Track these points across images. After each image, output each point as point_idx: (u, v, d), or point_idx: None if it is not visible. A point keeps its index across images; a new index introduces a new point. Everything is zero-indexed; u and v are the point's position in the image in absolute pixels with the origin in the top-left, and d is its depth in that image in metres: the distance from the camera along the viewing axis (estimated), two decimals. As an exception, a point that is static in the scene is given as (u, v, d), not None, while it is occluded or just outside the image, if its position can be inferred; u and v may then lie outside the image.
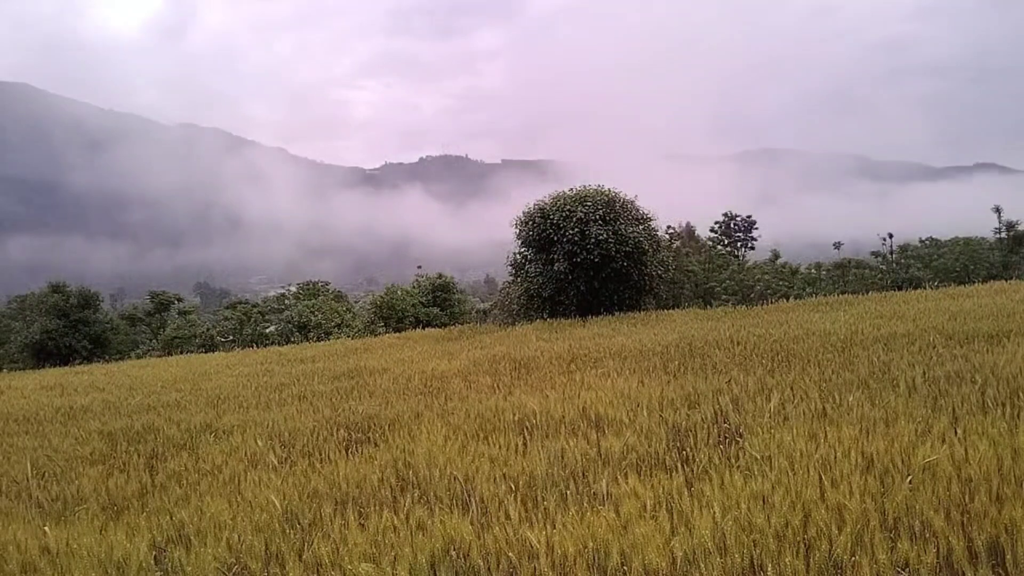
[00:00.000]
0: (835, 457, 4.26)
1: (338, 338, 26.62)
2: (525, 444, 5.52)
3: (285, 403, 9.17)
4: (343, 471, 5.21)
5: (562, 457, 4.99)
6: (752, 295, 21.07)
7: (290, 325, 30.51)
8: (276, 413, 8.29)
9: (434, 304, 30.92)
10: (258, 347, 24.79)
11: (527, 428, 6.07)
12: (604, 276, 19.59)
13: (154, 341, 32.56)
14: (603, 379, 8.08)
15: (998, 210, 24.34)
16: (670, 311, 18.25)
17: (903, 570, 3.03)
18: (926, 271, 22.37)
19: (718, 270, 23.94)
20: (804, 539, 3.29)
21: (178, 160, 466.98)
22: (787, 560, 3.04)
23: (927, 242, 25.91)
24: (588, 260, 19.25)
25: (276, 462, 6.01)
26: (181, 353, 26.98)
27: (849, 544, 3.13)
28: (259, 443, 6.66)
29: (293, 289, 39.47)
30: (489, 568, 3.42)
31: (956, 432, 4.56)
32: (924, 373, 6.55)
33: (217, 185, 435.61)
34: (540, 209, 20.44)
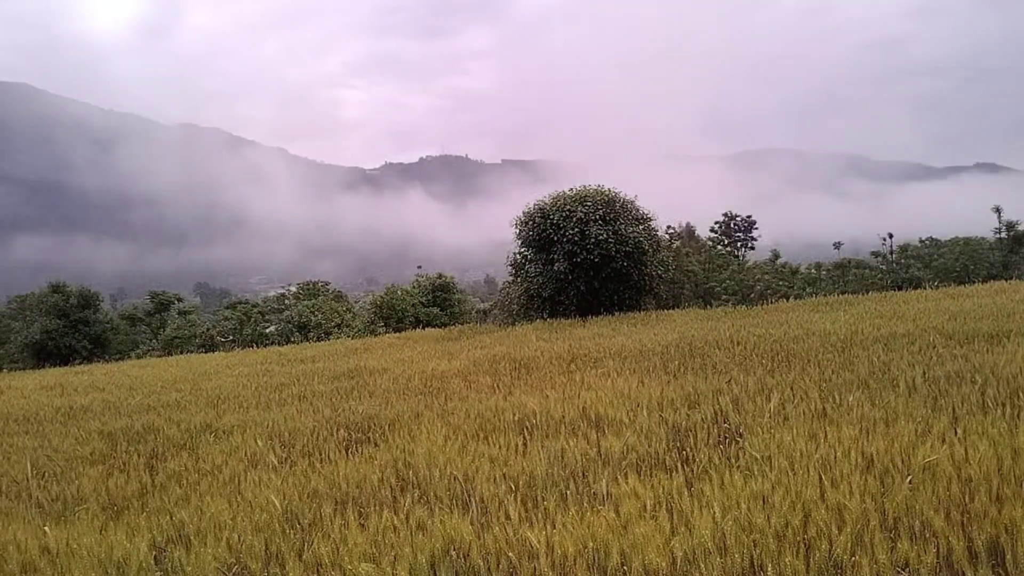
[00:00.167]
0: (835, 457, 4.26)
1: (338, 338, 26.62)
2: (525, 444, 5.52)
3: (285, 403, 9.17)
4: (343, 471, 5.21)
5: (562, 457, 4.99)
6: (752, 295, 21.07)
7: (290, 325, 30.51)
8: (276, 413, 8.29)
9: (434, 304, 30.92)
10: (258, 347, 24.79)
11: (527, 428, 6.07)
12: (604, 276, 19.58)
13: (154, 341, 32.55)
14: (603, 379, 8.08)
15: (998, 210, 24.33)
16: (670, 311, 18.25)
17: (903, 570, 3.03)
18: (926, 271, 22.36)
19: (718, 270, 23.93)
20: (804, 539, 3.29)
21: (179, 160, 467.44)
22: (787, 560, 3.04)
23: (927, 242, 25.90)
24: (588, 260, 19.24)
25: (276, 462, 6.01)
26: (181, 353, 26.98)
27: (849, 544, 3.13)
28: (259, 443, 6.66)
29: (293, 289, 39.47)
30: (489, 568, 3.42)
31: (956, 432, 4.56)
32: (924, 373, 6.55)
33: (218, 185, 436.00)
34: (540, 209, 20.44)
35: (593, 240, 19.15)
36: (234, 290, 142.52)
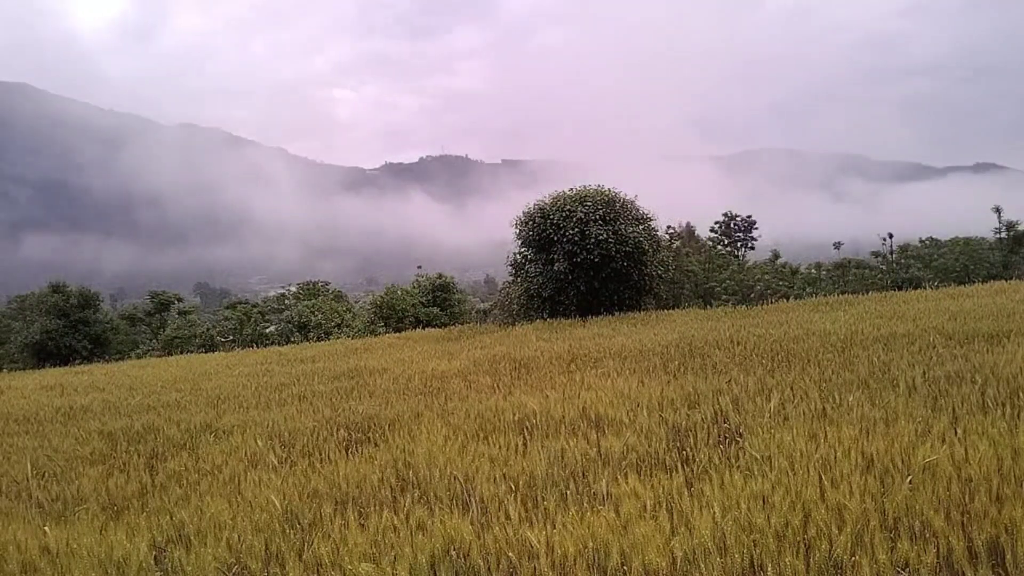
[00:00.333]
0: (835, 457, 4.26)
1: (338, 338, 26.62)
2: (525, 444, 5.52)
3: (285, 403, 9.17)
4: (343, 471, 5.21)
5: (562, 457, 4.99)
6: (752, 295, 21.07)
7: (290, 325, 30.51)
8: (276, 413, 8.29)
9: (434, 304, 30.92)
10: (258, 347, 24.79)
11: (527, 428, 6.07)
12: (604, 276, 19.58)
13: (154, 341, 32.55)
14: (603, 379, 8.08)
15: (998, 210, 24.32)
16: (670, 311, 18.25)
17: (903, 570, 3.03)
18: (926, 271, 22.36)
19: (718, 270, 23.94)
20: (804, 539, 3.29)
21: (180, 160, 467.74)
22: (787, 560, 3.04)
23: (927, 242, 25.89)
24: (588, 260, 19.25)
25: (276, 462, 6.01)
26: (181, 353, 26.98)
27: (849, 544, 3.13)
28: (259, 443, 6.66)
29: (293, 289, 39.47)
30: (489, 568, 3.42)
31: (956, 432, 4.56)
32: (924, 373, 6.55)
33: (219, 185, 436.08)
34: (540, 209, 20.44)
35: (593, 240, 19.15)
36: (234, 290, 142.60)
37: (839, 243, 29.23)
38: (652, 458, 4.88)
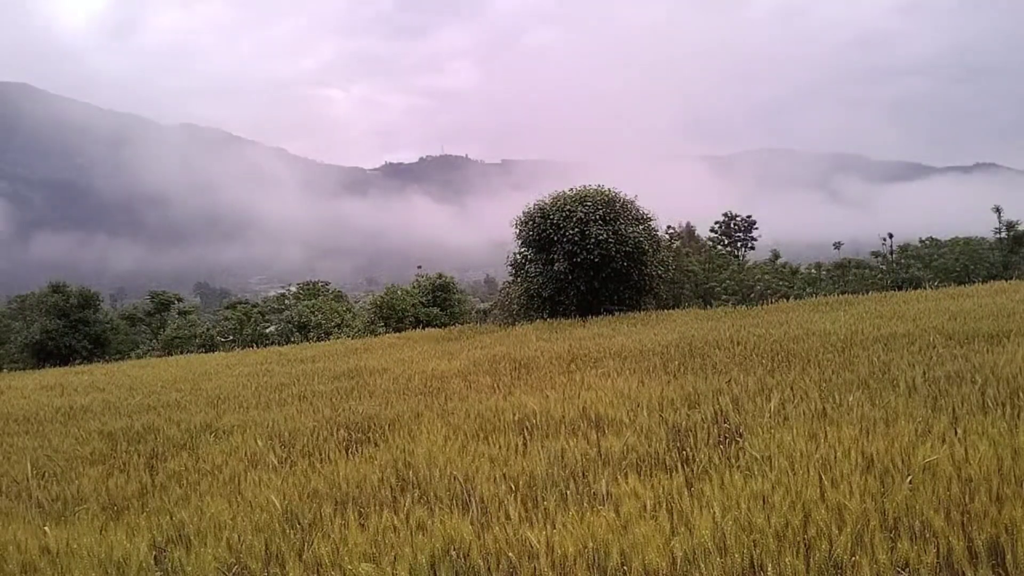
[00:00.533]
0: (835, 457, 4.26)
1: (338, 338, 26.62)
2: (525, 444, 5.52)
3: (285, 403, 9.17)
4: (343, 471, 5.21)
5: (562, 457, 4.99)
6: (752, 295, 21.07)
7: (290, 325, 30.50)
8: (276, 413, 8.29)
9: (434, 304, 30.91)
10: (258, 347, 24.79)
11: (527, 428, 6.07)
12: (604, 276, 19.59)
13: (154, 341, 32.55)
14: (603, 379, 8.08)
15: (998, 210, 24.31)
16: (670, 311, 18.25)
17: (903, 570, 3.03)
18: (926, 271, 22.36)
19: (718, 270, 23.93)
20: (804, 539, 3.29)
21: (182, 160, 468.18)
22: (787, 560, 3.04)
23: (927, 242, 25.88)
24: (588, 260, 19.25)
25: (276, 462, 6.01)
26: (181, 353, 26.97)
27: (849, 544, 3.13)
28: (259, 443, 6.66)
29: (293, 289, 39.46)
30: (489, 568, 3.42)
31: (956, 432, 4.56)
32: (924, 373, 6.55)
33: (221, 185, 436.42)
34: (540, 209, 20.44)
35: (593, 240, 19.15)
36: (234, 290, 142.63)
37: (839, 243, 29.21)
38: (652, 458, 4.88)
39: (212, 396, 10.38)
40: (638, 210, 20.60)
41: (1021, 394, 5.40)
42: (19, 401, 12.14)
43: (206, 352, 26.91)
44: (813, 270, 25.69)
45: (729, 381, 7.17)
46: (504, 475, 4.72)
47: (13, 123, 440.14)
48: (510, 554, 3.44)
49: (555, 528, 3.65)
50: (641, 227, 20.03)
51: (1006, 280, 18.62)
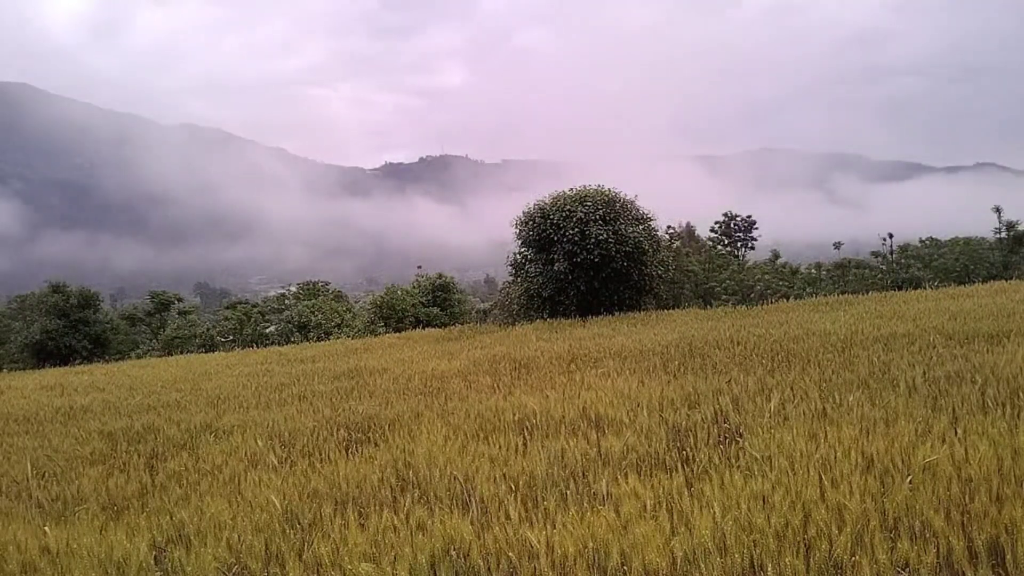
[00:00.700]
0: (835, 457, 4.26)
1: (338, 338, 26.61)
2: (525, 444, 5.52)
3: (285, 403, 9.17)
4: (343, 471, 5.21)
5: (562, 457, 4.99)
6: (752, 295, 21.06)
7: (290, 325, 30.50)
8: (276, 413, 8.29)
9: (434, 304, 30.91)
10: (258, 347, 24.78)
11: (527, 428, 6.07)
12: (604, 276, 19.58)
13: (154, 341, 32.54)
14: (603, 379, 8.08)
15: (998, 210, 24.30)
16: (670, 311, 18.25)
17: (903, 570, 3.03)
18: (926, 271, 22.35)
19: (718, 270, 23.93)
20: (804, 539, 3.29)
21: (182, 160, 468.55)
22: (787, 560, 3.04)
23: (927, 242, 25.88)
24: (588, 260, 19.24)
25: (276, 462, 6.01)
26: (181, 353, 26.97)
27: (849, 544, 3.13)
28: (259, 443, 6.66)
29: (293, 289, 39.45)
30: (489, 568, 3.42)
31: (956, 432, 4.56)
32: (924, 373, 6.55)
33: (221, 184, 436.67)
34: (540, 209, 20.44)
35: (593, 240, 19.14)
36: (234, 290, 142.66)
37: (839, 243, 29.21)
38: (652, 458, 4.88)
39: (212, 396, 10.37)
40: (638, 210, 20.60)
41: (1021, 394, 5.40)
42: (19, 401, 12.14)
43: (206, 352, 26.91)
44: (813, 270, 25.69)
45: (729, 381, 7.17)
46: (504, 475, 4.72)
47: (15, 123, 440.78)
48: (510, 554, 3.44)
49: (555, 528, 3.66)
50: (641, 227, 20.02)
51: (1006, 280, 18.62)
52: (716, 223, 31.42)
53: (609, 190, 20.71)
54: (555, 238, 19.79)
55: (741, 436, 5.16)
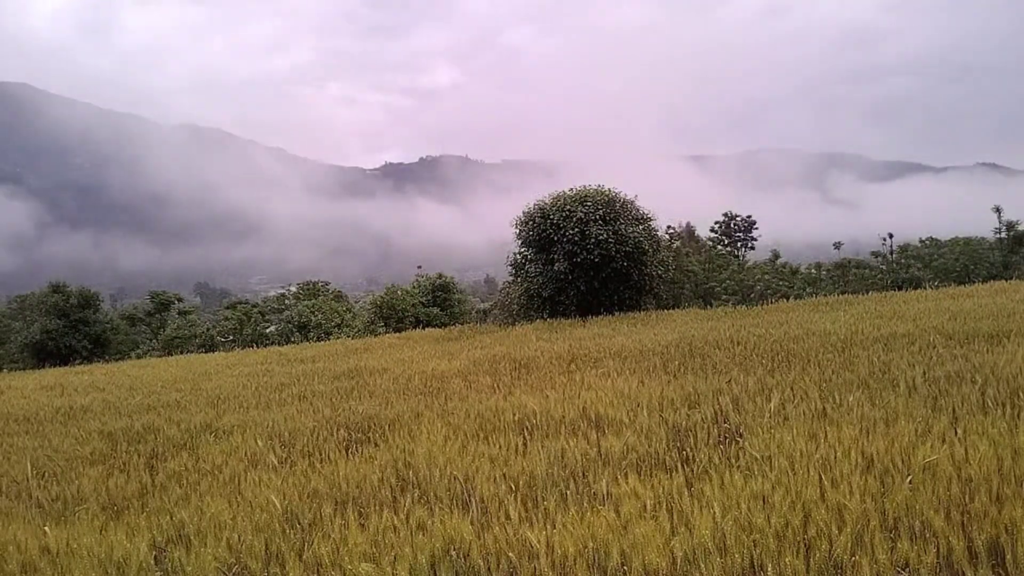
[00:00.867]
0: (835, 457, 4.26)
1: (338, 338, 26.62)
2: (525, 444, 5.52)
3: (285, 403, 9.17)
4: (343, 471, 5.21)
5: (562, 457, 4.99)
6: (752, 295, 21.06)
7: (290, 325, 30.50)
8: (276, 413, 8.29)
9: (434, 304, 30.92)
10: (258, 347, 24.79)
11: (527, 428, 6.07)
12: (604, 276, 19.59)
13: (154, 341, 32.54)
14: (603, 379, 8.08)
15: (998, 210, 24.30)
16: (670, 311, 18.25)
17: (903, 570, 3.03)
18: (926, 271, 22.35)
19: (718, 270, 23.93)
20: (804, 539, 3.29)
21: (183, 160, 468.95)
22: (787, 560, 3.04)
23: (927, 242, 25.88)
24: (588, 260, 19.25)
25: (276, 462, 6.01)
26: (181, 353, 26.97)
27: (849, 544, 3.13)
28: (259, 443, 6.66)
29: (293, 289, 39.46)
30: (489, 568, 3.42)
31: (956, 432, 4.56)
32: (924, 373, 6.54)
33: (222, 184, 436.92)
34: (540, 209, 20.44)
35: (593, 240, 19.15)
36: (234, 290, 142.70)
37: (839, 243, 29.21)
38: (652, 458, 4.88)
39: (212, 396, 10.38)
40: (638, 210, 20.61)
41: (1021, 394, 5.40)
42: (19, 401, 12.14)
43: (206, 352, 26.91)
44: (813, 270, 25.68)
45: (729, 381, 7.17)
46: (504, 475, 4.72)
47: (18, 123, 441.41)
48: (510, 554, 3.44)
49: (555, 528, 3.66)
50: (641, 227, 20.03)
51: (1006, 280, 18.62)
52: (716, 223, 31.42)
53: (609, 190, 20.71)
54: (555, 238, 19.79)
55: (741, 436, 5.16)
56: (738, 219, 31.74)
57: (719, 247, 29.89)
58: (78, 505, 5.44)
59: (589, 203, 19.79)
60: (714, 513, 3.52)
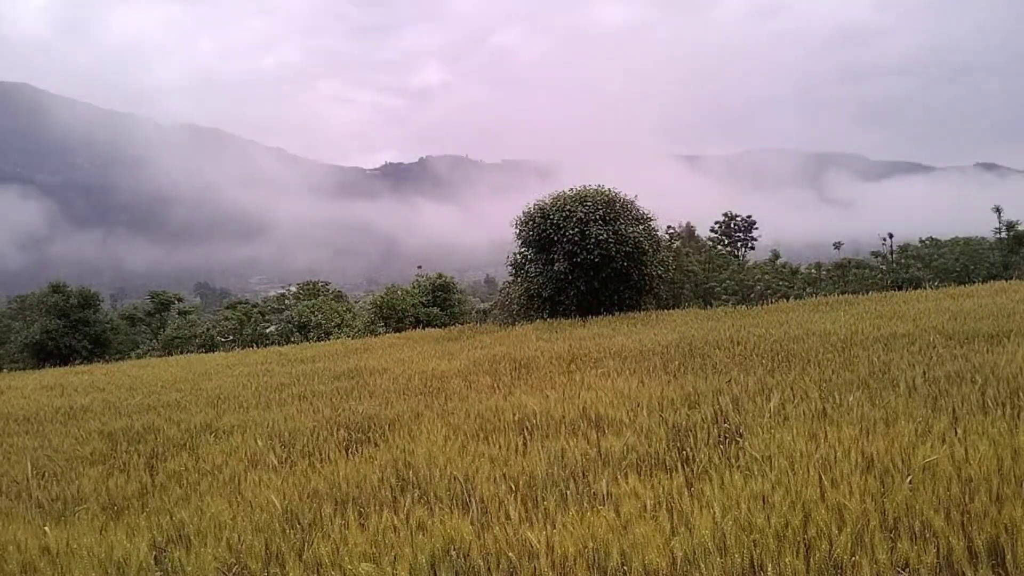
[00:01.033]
0: (835, 457, 4.26)
1: (338, 338, 26.61)
2: (525, 444, 5.52)
3: (285, 403, 9.17)
4: (343, 471, 5.21)
5: (562, 457, 4.99)
6: (752, 295, 21.06)
7: (290, 325, 30.50)
8: (276, 413, 8.29)
9: (434, 304, 30.91)
10: (258, 347, 24.78)
11: (527, 428, 6.07)
12: (604, 276, 19.58)
13: (154, 341, 32.54)
14: (603, 379, 8.08)
15: (998, 210, 24.30)
16: (670, 311, 18.25)
17: (903, 570, 3.03)
18: (926, 271, 22.35)
19: (718, 270, 23.93)
20: (804, 539, 3.29)
21: (184, 160, 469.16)
22: (787, 560, 3.04)
23: (927, 242, 25.88)
24: (588, 260, 19.24)
25: (276, 462, 6.01)
26: (181, 353, 26.97)
27: (849, 544, 3.13)
28: (259, 443, 6.66)
29: (293, 289, 39.46)
30: (489, 568, 3.42)
31: (956, 432, 4.56)
32: (924, 373, 6.54)
33: (224, 184, 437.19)
34: (540, 209, 20.44)
35: (593, 240, 19.15)
36: (234, 290, 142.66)
37: (839, 243, 29.21)
38: (652, 458, 4.88)
39: (212, 396, 10.37)
40: (638, 210, 20.61)
41: (1021, 394, 5.40)
42: (19, 401, 12.14)
43: (206, 352, 26.91)
44: (813, 270, 25.67)
45: (729, 381, 7.17)
46: (504, 475, 4.72)
47: (20, 123, 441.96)
48: (510, 554, 3.44)
49: (555, 528, 3.65)
50: (641, 227, 20.02)
51: (1006, 280, 18.61)
52: (716, 223, 31.42)
53: (609, 190, 20.71)
54: (555, 238, 19.79)
55: (741, 436, 5.16)
56: (738, 219, 31.74)
57: (719, 247, 29.89)
58: (78, 505, 5.44)
59: (589, 203, 19.79)
60: (714, 513, 3.52)
